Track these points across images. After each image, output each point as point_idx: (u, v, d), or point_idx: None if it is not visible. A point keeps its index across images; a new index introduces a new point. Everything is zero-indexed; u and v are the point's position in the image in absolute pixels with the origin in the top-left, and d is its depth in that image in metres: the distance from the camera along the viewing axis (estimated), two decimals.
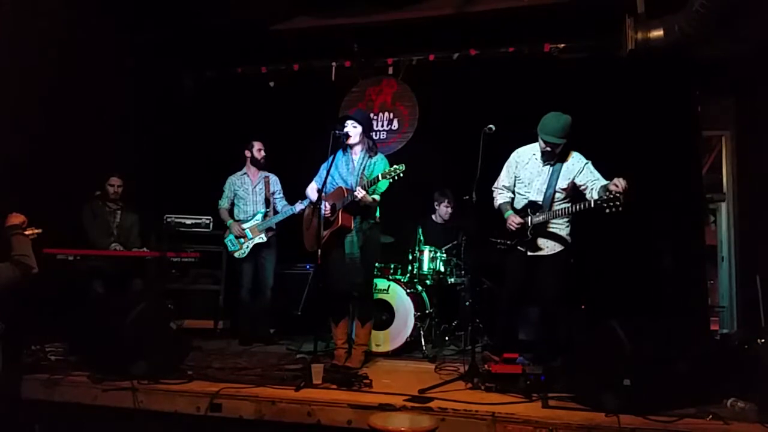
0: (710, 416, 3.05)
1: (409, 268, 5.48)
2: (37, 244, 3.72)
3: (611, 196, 3.72)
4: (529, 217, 4.19)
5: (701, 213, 6.17)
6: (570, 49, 6.09)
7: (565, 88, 5.70)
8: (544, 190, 4.20)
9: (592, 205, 3.86)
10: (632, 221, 5.34)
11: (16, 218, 3.62)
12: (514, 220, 4.23)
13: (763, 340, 3.65)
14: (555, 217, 4.15)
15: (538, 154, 4.27)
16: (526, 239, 4.20)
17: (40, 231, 3.75)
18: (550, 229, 4.21)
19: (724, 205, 7.03)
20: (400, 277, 5.41)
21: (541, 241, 4.21)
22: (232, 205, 5.72)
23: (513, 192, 4.41)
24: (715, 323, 6.77)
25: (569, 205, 4.10)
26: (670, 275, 5.29)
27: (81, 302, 4.81)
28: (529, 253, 4.21)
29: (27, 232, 3.65)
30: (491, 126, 3.97)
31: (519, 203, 4.34)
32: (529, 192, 4.29)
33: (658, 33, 5.26)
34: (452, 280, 5.50)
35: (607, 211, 3.74)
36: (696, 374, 3.31)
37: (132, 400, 3.50)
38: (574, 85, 5.81)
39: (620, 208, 3.71)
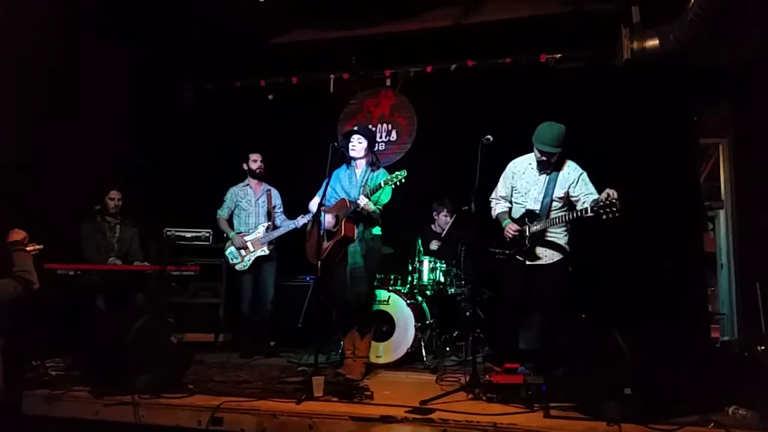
0: (712, 424, 3.04)
1: (409, 278, 5.49)
2: (37, 259, 3.73)
3: (607, 202, 3.74)
4: (527, 226, 4.21)
5: (700, 220, 6.18)
6: (567, 59, 6.14)
7: (562, 98, 5.74)
8: (540, 199, 4.23)
9: (589, 212, 3.87)
10: (631, 230, 5.38)
11: (17, 234, 3.64)
12: (511, 229, 4.25)
13: (763, 347, 3.65)
14: (552, 225, 4.17)
15: (534, 164, 4.29)
16: (524, 248, 4.21)
17: (41, 247, 3.76)
18: (548, 238, 4.22)
19: (722, 213, 7.04)
20: (400, 287, 5.41)
21: (540, 250, 4.22)
22: (231, 216, 5.73)
23: (510, 202, 4.44)
24: (715, 330, 6.76)
25: (566, 212, 4.12)
26: (669, 283, 5.30)
27: (82, 317, 4.81)
28: (527, 262, 4.22)
29: (28, 248, 3.66)
30: (489, 136, 4.00)
31: (516, 213, 4.36)
32: (526, 201, 4.31)
33: (653, 42, 5.31)
34: (452, 290, 5.51)
35: (604, 217, 3.76)
36: (697, 382, 3.30)
37: (133, 414, 3.48)
38: (571, 94, 5.85)
39: (617, 214, 3.72)
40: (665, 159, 5.63)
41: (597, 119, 5.71)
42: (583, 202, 4.07)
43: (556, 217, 4.14)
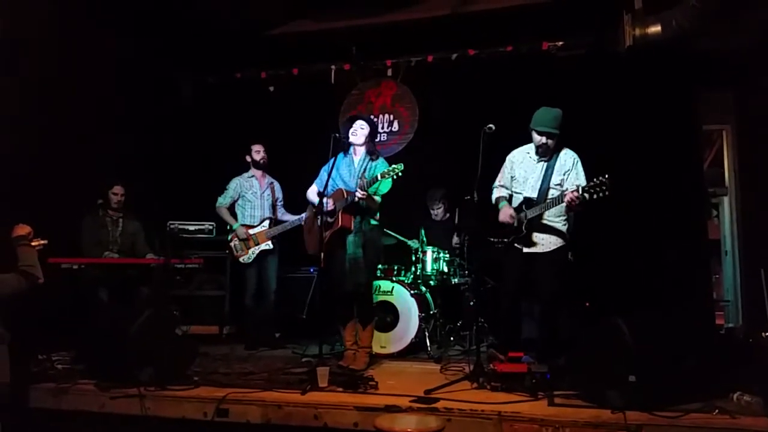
0: (716, 410, 3.05)
1: (413, 269, 5.49)
2: (42, 253, 3.75)
3: (597, 182, 3.75)
4: (524, 213, 4.21)
5: (704, 207, 6.16)
6: (568, 47, 6.09)
7: (564, 86, 5.70)
8: (538, 187, 4.22)
9: (580, 191, 3.86)
10: (635, 217, 5.38)
11: (22, 229, 3.65)
12: (507, 212, 4.25)
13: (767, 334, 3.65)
14: (548, 209, 4.14)
15: (532, 153, 4.30)
16: (521, 234, 4.20)
17: (46, 242, 3.77)
18: (546, 224, 4.19)
19: (726, 199, 7.01)
20: (403, 278, 5.42)
21: (537, 237, 4.19)
22: (232, 206, 5.71)
23: (510, 194, 4.43)
24: (720, 317, 6.76)
25: (559, 195, 4.07)
26: (673, 270, 5.29)
27: (87, 311, 4.82)
28: (525, 251, 4.21)
29: (33, 243, 3.67)
30: (491, 125, 3.99)
31: (515, 202, 4.36)
32: (524, 190, 4.30)
33: (655, 29, 5.27)
34: (456, 280, 5.51)
35: (595, 197, 3.78)
36: (701, 369, 3.31)
37: (139, 406, 3.51)
38: (573, 82, 5.81)
39: (607, 193, 3.73)
40: (668, 146, 5.59)
41: (600, 106, 5.67)
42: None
43: (550, 201, 4.12)
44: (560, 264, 4.19)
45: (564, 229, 4.21)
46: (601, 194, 3.75)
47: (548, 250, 4.18)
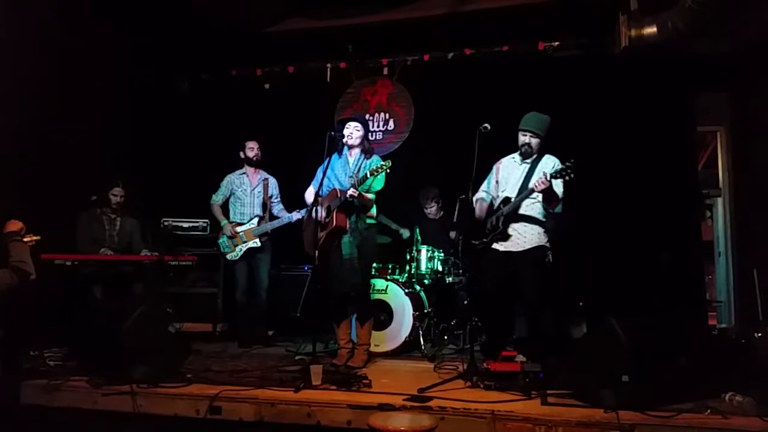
0: (709, 410, 3.05)
1: (407, 267, 5.49)
2: (35, 249, 3.73)
3: (563, 166, 3.78)
4: (501, 210, 4.22)
5: (698, 209, 6.18)
6: (564, 47, 6.11)
7: (560, 86, 5.73)
8: (518, 186, 4.23)
9: (548, 178, 3.85)
10: (629, 218, 5.40)
11: (15, 225, 3.64)
12: (479, 207, 4.34)
13: (760, 334, 3.66)
14: (521, 201, 4.13)
15: (517, 156, 4.35)
16: (498, 231, 4.21)
17: (38, 238, 3.76)
18: (523, 221, 4.18)
19: (720, 200, 7.04)
20: (398, 277, 5.42)
21: (513, 229, 4.18)
22: (225, 203, 5.70)
23: (493, 197, 4.44)
24: (713, 318, 6.79)
25: (532, 186, 4.01)
26: (667, 271, 5.31)
27: (80, 307, 4.80)
28: (501, 249, 4.20)
29: (25, 239, 3.66)
30: (486, 125, 4.00)
31: (496, 203, 4.37)
32: (505, 189, 4.32)
33: (651, 30, 5.28)
34: (450, 279, 5.50)
35: (560, 180, 3.84)
36: (694, 369, 3.31)
37: (131, 404, 3.49)
38: (568, 83, 5.83)
39: (572, 176, 3.75)
40: (663, 147, 5.62)
41: (595, 107, 5.69)
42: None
43: (523, 194, 4.11)
44: (539, 263, 4.16)
45: (542, 223, 4.19)
46: (567, 177, 3.77)
47: (524, 248, 4.16)
